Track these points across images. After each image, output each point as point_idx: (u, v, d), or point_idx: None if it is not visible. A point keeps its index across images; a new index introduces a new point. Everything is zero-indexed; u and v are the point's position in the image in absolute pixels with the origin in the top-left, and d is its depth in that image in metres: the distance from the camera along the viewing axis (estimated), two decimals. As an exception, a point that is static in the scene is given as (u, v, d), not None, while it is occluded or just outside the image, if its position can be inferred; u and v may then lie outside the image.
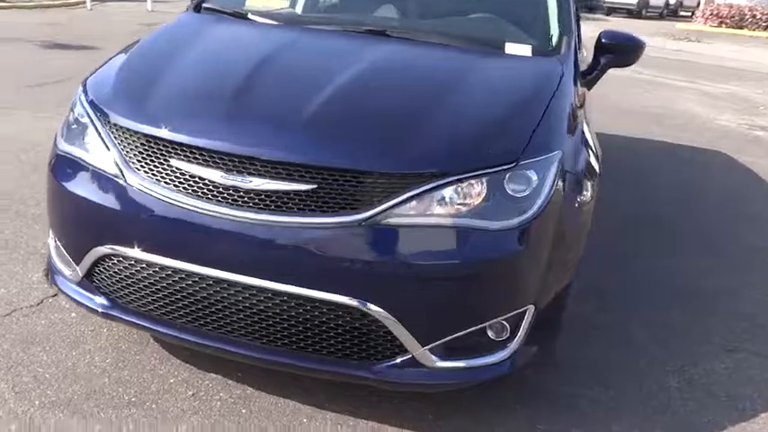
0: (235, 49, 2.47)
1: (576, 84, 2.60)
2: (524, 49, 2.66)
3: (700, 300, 3.28)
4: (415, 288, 1.91)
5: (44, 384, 2.23)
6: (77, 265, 2.18)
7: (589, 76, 2.99)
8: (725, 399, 2.52)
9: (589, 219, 2.29)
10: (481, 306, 1.99)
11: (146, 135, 2.03)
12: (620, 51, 3.00)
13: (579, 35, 3.19)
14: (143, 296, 2.09)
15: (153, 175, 2.00)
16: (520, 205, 1.97)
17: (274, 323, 1.97)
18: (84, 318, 2.57)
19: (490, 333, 2.05)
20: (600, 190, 2.40)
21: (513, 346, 2.08)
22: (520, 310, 2.05)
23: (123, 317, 2.15)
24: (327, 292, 1.89)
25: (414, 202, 1.90)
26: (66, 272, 2.25)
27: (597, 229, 2.82)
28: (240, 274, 1.92)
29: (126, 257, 2.05)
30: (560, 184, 2.08)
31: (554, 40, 2.76)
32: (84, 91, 2.29)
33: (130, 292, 2.11)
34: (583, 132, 2.43)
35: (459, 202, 1.93)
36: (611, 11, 24.73)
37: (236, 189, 1.92)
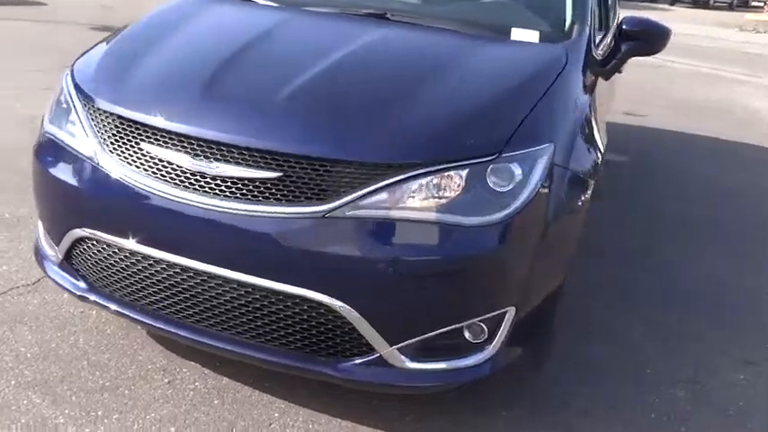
0: (224, 32, 2.41)
1: (584, 73, 2.44)
2: (531, 36, 2.50)
3: None
4: (383, 285, 1.81)
5: (23, 364, 2.23)
6: (57, 246, 2.17)
7: (608, 65, 2.82)
8: None
9: (582, 218, 2.14)
10: (455, 306, 1.88)
11: (119, 117, 2.00)
12: (643, 39, 2.83)
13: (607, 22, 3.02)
14: (116, 281, 2.06)
15: (125, 158, 1.97)
16: (501, 200, 1.85)
17: (240, 314, 1.91)
18: (75, 299, 2.57)
19: (467, 334, 1.94)
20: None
21: (493, 348, 1.96)
22: (499, 312, 1.92)
23: (99, 301, 2.13)
24: (291, 285, 1.82)
25: (384, 194, 1.79)
26: (50, 254, 2.25)
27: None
28: (206, 263, 1.87)
29: (99, 241, 2.02)
30: (550, 179, 1.94)
31: (566, 26, 2.58)
32: (71, 72, 2.27)
33: (105, 276, 2.09)
34: (586, 125, 2.28)
35: (434, 194, 1.81)
36: (675, 0, 23.74)
37: (202, 175, 1.86)
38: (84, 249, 2.10)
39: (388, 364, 1.90)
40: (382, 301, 1.83)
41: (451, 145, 1.87)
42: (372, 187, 1.79)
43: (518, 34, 2.52)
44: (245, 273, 1.84)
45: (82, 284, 2.16)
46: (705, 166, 5.38)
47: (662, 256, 3.56)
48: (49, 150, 2.16)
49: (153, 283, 1.98)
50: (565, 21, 2.61)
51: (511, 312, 1.94)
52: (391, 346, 1.87)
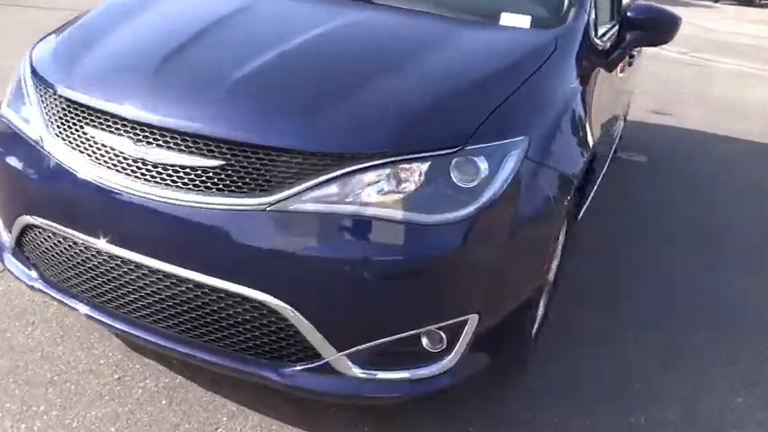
0: (188, 14, 2.27)
1: (578, 62, 2.25)
2: (522, 21, 2.32)
3: None
4: (329, 286, 1.66)
5: (-27, 355, 2.16)
6: (10, 234, 2.08)
7: (610, 56, 2.62)
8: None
9: (561, 219, 1.95)
10: (409, 312, 1.72)
11: (67, 100, 1.89)
12: (650, 27, 2.62)
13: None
14: (61, 270, 1.96)
15: (69, 143, 1.86)
16: (463, 197, 1.68)
17: (181, 311, 1.79)
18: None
19: (425, 342, 1.78)
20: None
21: (453, 358, 1.80)
22: (459, 320, 1.76)
23: (45, 290, 2.03)
24: (231, 282, 1.68)
25: (333, 187, 1.65)
26: (6, 241, 2.16)
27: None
28: (145, 255, 1.75)
29: (45, 229, 1.92)
30: (522, 175, 1.77)
31: (563, 12, 2.39)
32: (30, 56, 2.17)
33: (52, 265, 1.99)
34: (574, 118, 2.09)
35: (389, 189, 1.66)
36: (719, -3, 22.79)
37: (143, 162, 1.74)
38: (32, 237, 2.00)
39: (335, 371, 1.75)
40: (328, 304, 1.68)
41: (410, 135, 1.71)
42: (320, 179, 1.64)
43: (507, 19, 2.33)
44: (185, 268, 1.71)
45: (33, 273, 2.07)
46: (729, 170, 5.09)
47: (646, 273, 3.29)
48: (3, 134, 2.06)
49: (95, 274, 1.87)
50: (562, 6, 2.41)
51: (473, 320, 1.77)
52: (339, 352, 1.72)
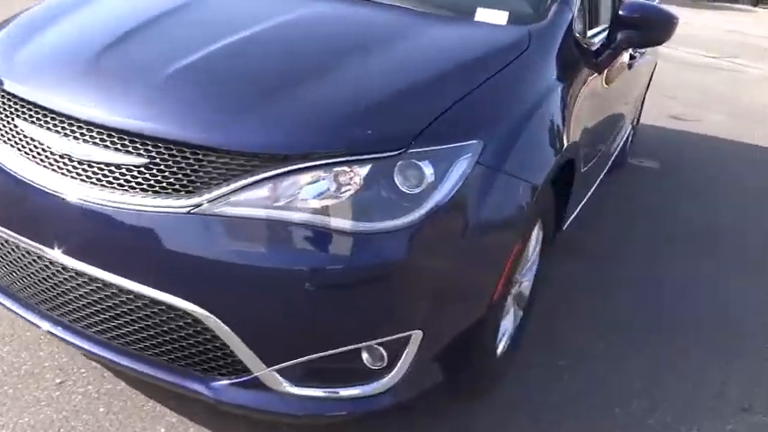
0: (139, 3, 2.16)
1: (557, 61, 2.10)
2: (498, 17, 2.18)
3: None
4: (256, 296, 1.55)
5: None
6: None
7: (600, 56, 2.46)
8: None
9: (520, 230, 1.80)
10: (343, 326, 1.59)
11: (2, 91, 1.81)
12: (643, 26, 2.45)
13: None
14: (-5, 267, 1.88)
15: (1, 135, 1.78)
16: (406, 204, 1.56)
17: (109, 317, 1.69)
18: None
19: (365, 358, 1.66)
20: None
21: (394, 376, 1.67)
22: (400, 336, 1.63)
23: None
24: (155, 288, 1.58)
25: (263, 190, 1.53)
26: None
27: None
28: (69, 256, 1.65)
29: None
30: (475, 182, 1.63)
31: (543, 8, 2.24)
32: None
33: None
34: (545, 122, 1.95)
35: (322, 193, 1.54)
36: (759, 1, 22.03)
37: (70, 158, 1.65)
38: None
39: (266, 387, 1.63)
40: (255, 315, 1.57)
41: (349, 136, 1.58)
42: (248, 181, 1.53)
43: (483, 15, 2.19)
44: (109, 271, 1.61)
45: None
46: (742, 176, 4.86)
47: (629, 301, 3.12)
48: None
49: (22, 272, 1.78)
50: (544, 2, 2.26)
51: (416, 336, 1.64)
52: (268, 366, 1.61)
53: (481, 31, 2.10)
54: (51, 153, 1.67)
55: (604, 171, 3.31)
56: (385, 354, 1.65)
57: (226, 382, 1.65)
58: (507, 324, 2.17)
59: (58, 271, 1.69)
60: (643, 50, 3.31)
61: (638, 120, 4.90)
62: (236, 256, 1.53)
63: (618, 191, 4.24)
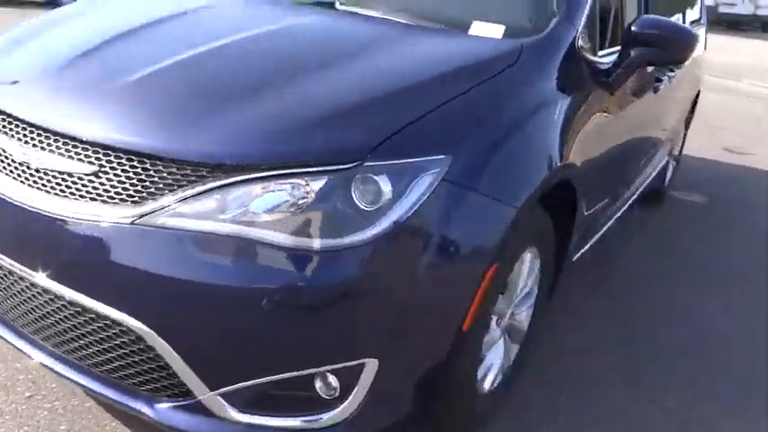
0: (122, 15, 2.14)
1: (551, 77, 1.98)
2: (494, 31, 2.07)
3: None
4: (198, 314, 1.46)
5: None
6: None
7: (609, 76, 2.31)
8: None
9: (489, 257, 1.65)
10: (289, 349, 1.49)
11: None
12: (659, 44, 2.29)
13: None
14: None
15: None
16: (360, 222, 1.45)
17: (61, 330, 1.64)
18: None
19: (318, 386, 1.55)
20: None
21: (348, 407, 1.55)
22: (352, 363, 1.51)
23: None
24: (98, 301, 1.52)
25: (208, 201, 1.46)
26: None
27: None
28: (24, 265, 1.62)
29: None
30: (440, 200, 1.52)
31: (542, 22, 2.11)
32: None
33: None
34: (535, 142, 1.82)
35: (271, 207, 1.45)
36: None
37: (28, 166, 1.62)
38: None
39: (210, 412, 1.54)
40: (197, 334, 1.48)
41: (302, 147, 1.49)
42: (194, 191, 1.46)
43: (478, 29, 2.09)
44: (60, 282, 1.56)
45: None
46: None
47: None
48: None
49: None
50: (543, 16, 2.14)
51: (371, 365, 1.52)
52: (212, 390, 1.52)
53: (469, 44, 2.00)
54: (12, 161, 1.65)
55: (628, 202, 3.11)
56: (337, 382, 1.54)
57: (170, 404, 1.57)
58: (495, 358, 2.02)
59: (22, 284, 1.65)
60: (672, 74, 3.11)
61: (681, 150, 4.64)
62: (177, 270, 1.45)
63: (655, 224, 4.01)
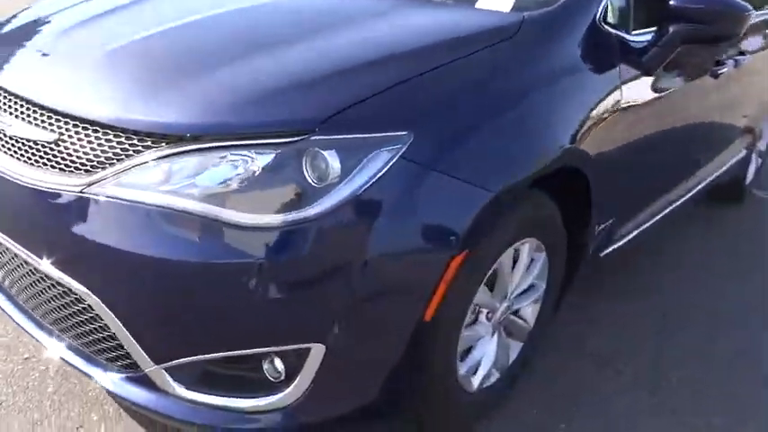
0: None
1: (560, 52, 1.81)
2: (502, 3, 1.91)
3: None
4: (142, 285, 1.43)
5: None
6: None
7: (643, 55, 2.08)
8: None
9: (455, 245, 1.50)
10: (231, 327, 1.43)
11: None
12: (701, 19, 2.04)
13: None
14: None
15: None
16: (305, 199, 1.37)
17: (34, 294, 1.67)
18: None
19: (266, 368, 1.49)
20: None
21: (293, 393, 1.48)
22: (296, 347, 1.44)
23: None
24: (57, 268, 1.52)
25: (152, 172, 1.42)
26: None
27: None
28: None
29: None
30: (398, 180, 1.41)
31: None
32: None
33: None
34: (529, 120, 1.66)
35: (213, 179, 1.39)
36: None
37: (4, 133, 1.66)
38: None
39: (156, 386, 1.52)
40: (139, 306, 1.46)
41: (249, 119, 1.42)
42: (138, 161, 1.43)
43: (487, 1, 1.94)
44: (27, 248, 1.59)
45: None
46: None
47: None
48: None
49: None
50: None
51: (318, 351, 1.44)
52: (156, 363, 1.49)
53: (466, 17, 1.85)
54: None
55: (681, 199, 2.81)
56: (282, 366, 1.47)
57: (121, 374, 1.56)
58: (486, 355, 1.88)
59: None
60: (742, 57, 2.77)
61: (757, 143, 4.19)
62: (118, 240, 1.42)
63: (729, 223, 3.65)
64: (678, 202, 2.78)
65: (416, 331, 1.53)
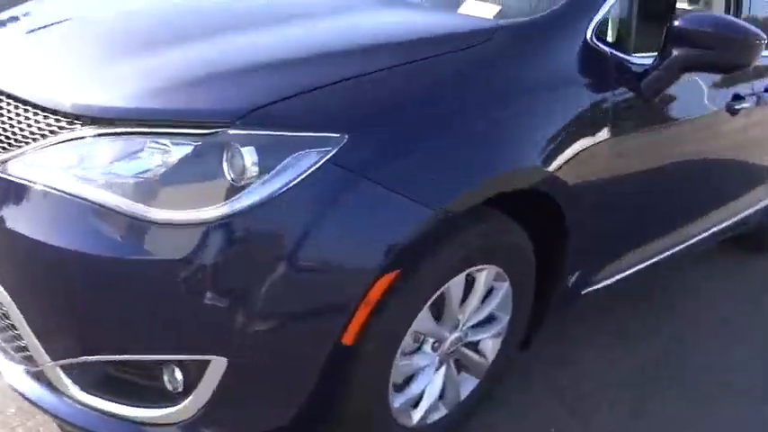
0: None
1: (538, 66, 1.66)
2: (486, 10, 1.77)
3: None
4: (37, 273, 1.34)
5: None
6: None
7: (643, 79, 1.91)
8: None
9: (383, 262, 1.36)
10: (126, 329, 1.32)
11: None
12: (707, 44, 1.86)
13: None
14: None
15: None
16: (217, 197, 1.26)
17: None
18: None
19: (166, 377, 1.37)
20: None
21: (189, 407, 1.36)
22: (195, 358, 1.32)
23: None
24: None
25: (61, 154, 1.33)
26: None
27: None
28: None
29: None
30: (324, 185, 1.29)
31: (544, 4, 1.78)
32: None
33: None
34: (486, 135, 1.51)
35: (123, 168, 1.29)
36: None
37: None
38: None
39: (51, 383, 1.42)
40: (35, 294, 1.37)
41: (168, 107, 1.32)
42: (50, 141, 1.34)
43: (470, 7, 1.80)
44: None
45: None
46: None
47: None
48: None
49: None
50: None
51: (217, 364, 1.31)
52: (52, 360, 1.39)
53: (438, 21, 1.72)
54: None
55: (687, 242, 2.57)
56: (180, 376, 1.35)
57: (21, 367, 1.47)
58: (428, 388, 1.72)
59: None
60: (760, 90, 2.54)
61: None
62: (17, 223, 1.34)
63: (752, 275, 3.38)
64: (679, 248, 2.55)
65: (335, 355, 1.39)
